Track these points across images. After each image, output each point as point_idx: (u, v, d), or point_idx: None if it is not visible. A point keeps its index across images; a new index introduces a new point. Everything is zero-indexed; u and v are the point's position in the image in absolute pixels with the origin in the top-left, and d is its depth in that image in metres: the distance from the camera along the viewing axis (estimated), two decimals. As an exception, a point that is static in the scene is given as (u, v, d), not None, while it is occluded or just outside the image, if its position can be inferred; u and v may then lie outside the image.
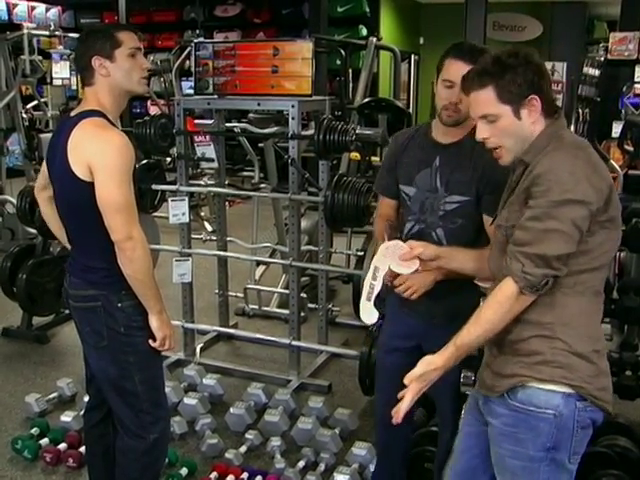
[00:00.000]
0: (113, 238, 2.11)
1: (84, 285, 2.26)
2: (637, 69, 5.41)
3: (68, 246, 2.41)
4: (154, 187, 4.21)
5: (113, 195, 2.09)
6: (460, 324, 2.03)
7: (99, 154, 2.09)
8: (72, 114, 2.26)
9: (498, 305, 1.69)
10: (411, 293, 2.18)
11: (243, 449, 3.22)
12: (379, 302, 2.27)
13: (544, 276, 1.62)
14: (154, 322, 2.25)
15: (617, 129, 5.11)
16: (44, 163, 2.38)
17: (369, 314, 2.06)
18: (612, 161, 5.15)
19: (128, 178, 2.13)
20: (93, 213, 2.12)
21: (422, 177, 2.30)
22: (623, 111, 5.63)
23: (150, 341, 2.27)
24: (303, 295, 4.41)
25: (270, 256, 5.06)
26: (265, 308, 5.01)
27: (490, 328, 1.72)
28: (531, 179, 1.67)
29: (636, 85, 5.57)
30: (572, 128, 5.32)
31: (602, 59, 6.12)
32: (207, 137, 4.01)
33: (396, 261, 1.99)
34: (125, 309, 2.23)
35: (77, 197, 2.16)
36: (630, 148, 4.60)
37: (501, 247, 1.77)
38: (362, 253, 4.57)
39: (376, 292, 1.98)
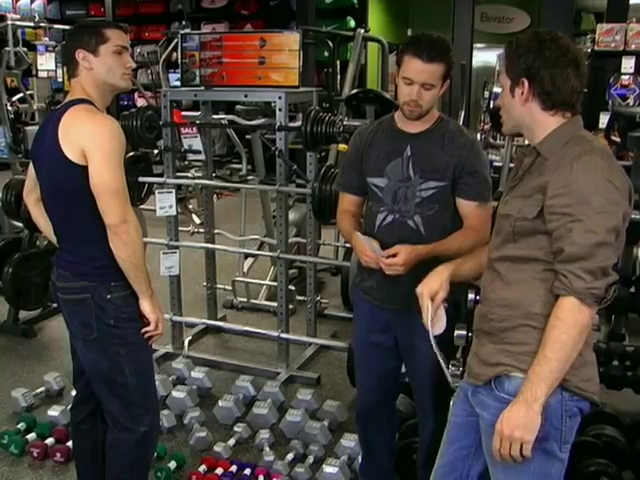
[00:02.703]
0: (108, 222, 2.11)
1: (73, 277, 2.25)
2: (624, 60, 5.43)
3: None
4: (141, 180, 4.19)
5: (108, 178, 2.09)
6: None
7: (93, 137, 2.09)
8: (59, 106, 2.25)
9: (572, 330, 1.62)
10: (395, 270, 2.19)
11: (232, 442, 3.22)
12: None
13: (607, 286, 1.60)
14: (147, 306, 2.25)
15: (604, 120, 5.13)
16: (30, 166, 2.37)
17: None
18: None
19: (121, 162, 2.14)
20: (83, 199, 2.12)
21: (393, 167, 2.31)
22: (610, 102, 5.65)
23: (144, 329, 2.27)
24: (291, 287, 4.40)
25: (258, 248, 5.05)
26: (253, 301, 5.00)
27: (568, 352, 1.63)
28: (564, 184, 1.62)
29: (623, 76, 5.60)
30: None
31: (589, 50, 6.14)
32: (194, 129, 3.98)
33: (434, 326, 1.93)
34: (114, 301, 2.22)
35: (68, 182, 2.15)
36: (617, 139, 4.61)
37: (505, 237, 1.77)
38: (350, 245, 4.56)
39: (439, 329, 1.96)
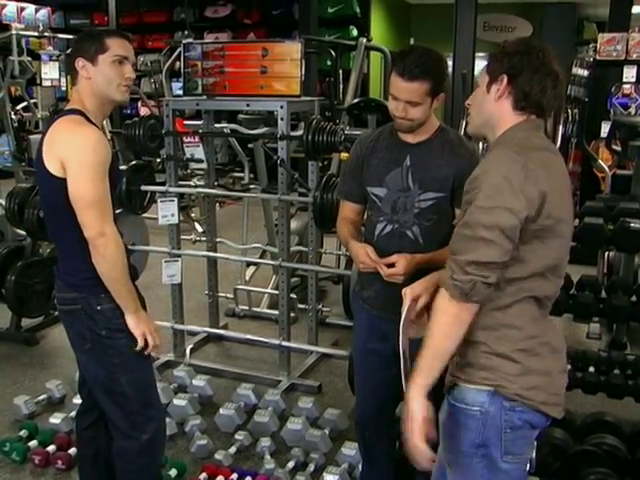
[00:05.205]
0: (86, 235, 2.10)
1: (66, 288, 2.26)
2: (625, 69, 5.45)
3: None
4: (143, 188, 4.20)
5: (85, 190, 2.08)
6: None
7: (71, 149, 2.09)
8: (55, 116, 2.27)
9: (441, 318, 1.64)
10: (396, 279, 2.21)
11: (233, 450, 3.22)
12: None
13: (470, 281, 1.57)
14: (130, 321, 2.22)
15: (606, 129, 5.15)
16: None
17: None
18: (600, 161, 5.19)
19: (102, 174, 2.11)
20: (68, 212, 2.11)
21: (393, 177, 2.31)
22: (611, 111, 5.67)
23: (138, 346, 2.25)
24: (293, 296, 4.41)
25: (260, 257, 5.06)
26: (255, 309, 5.01)
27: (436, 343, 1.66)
28: (470, 179, 1.67)
29: (624, 85, 5.62)
30: (561, 128, 5.37)
31: (591, 59, 6.16)
32: (196, 138, 4.00)
33: (410, 328, 1.93)
34: (105, 312, 2.22)
35: (52, 195, 2.16)
36: (618, 148, 4.62)
37: None
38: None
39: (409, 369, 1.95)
